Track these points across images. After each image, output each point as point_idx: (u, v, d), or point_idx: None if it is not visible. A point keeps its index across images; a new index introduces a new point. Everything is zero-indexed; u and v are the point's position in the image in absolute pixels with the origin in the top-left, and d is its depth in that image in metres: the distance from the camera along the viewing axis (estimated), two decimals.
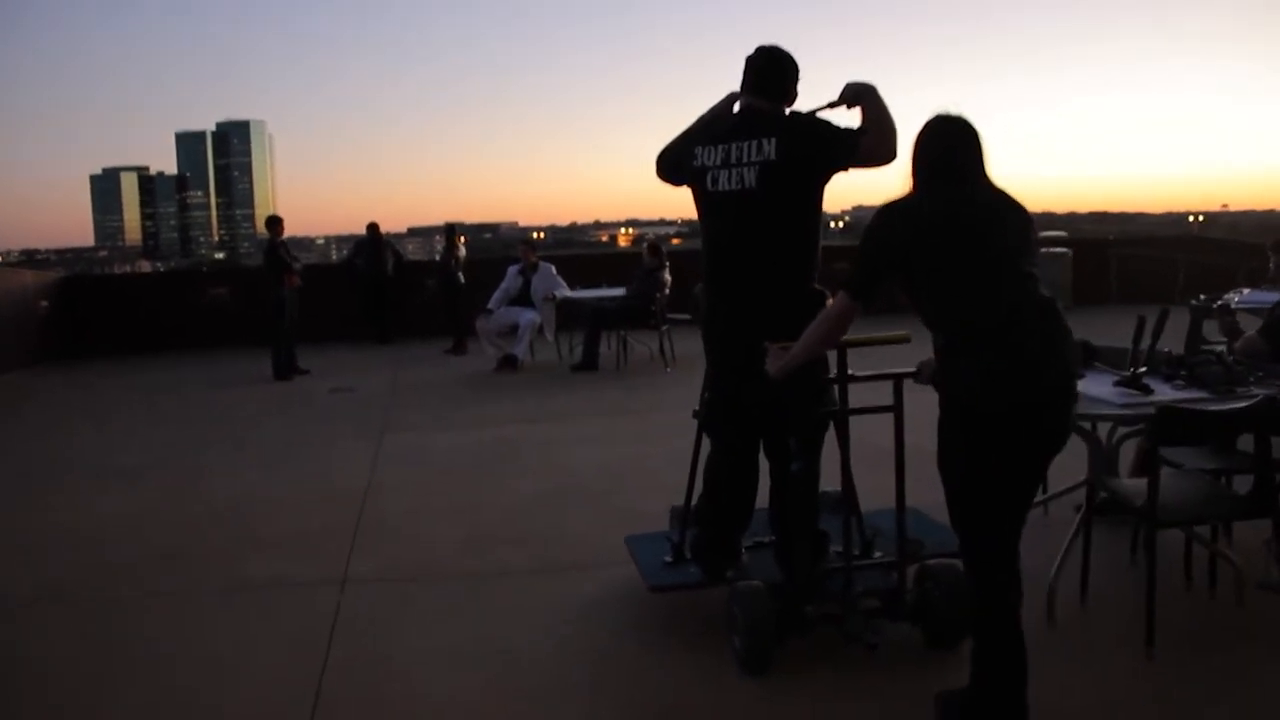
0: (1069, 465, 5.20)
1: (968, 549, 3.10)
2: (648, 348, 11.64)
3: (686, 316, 11.51)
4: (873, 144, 3.59)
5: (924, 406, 3.37)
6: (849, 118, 3.69)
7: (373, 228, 14.92)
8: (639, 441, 7.44)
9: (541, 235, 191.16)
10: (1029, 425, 2.94)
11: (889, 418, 3.66)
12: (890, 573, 3.77)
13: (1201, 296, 8.64)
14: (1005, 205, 3.10)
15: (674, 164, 4.02)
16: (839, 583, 3.71)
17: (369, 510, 5.84)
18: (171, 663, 3.94)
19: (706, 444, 4.16)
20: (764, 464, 4.06)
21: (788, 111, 3.81)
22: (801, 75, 3.85)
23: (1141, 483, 4.10)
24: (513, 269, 11.84)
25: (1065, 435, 3.03)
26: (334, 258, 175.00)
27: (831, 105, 3.71)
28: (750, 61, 3.82)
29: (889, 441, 3.67)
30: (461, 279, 13.22)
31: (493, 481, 6.41)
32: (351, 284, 14.62)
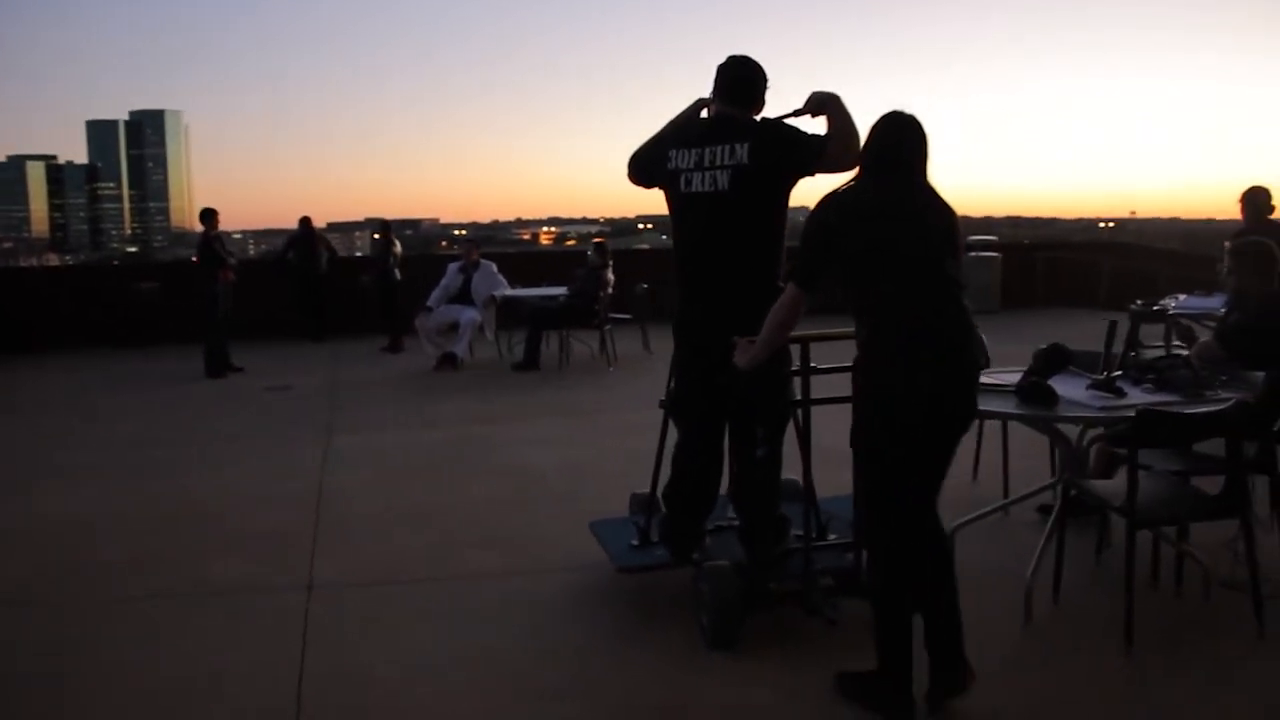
0: (1034, 468, 5.36)
1: (869, 508, 3.36)
2: (588, 347, 11.61)
3: (628, 316, 11.53)
4: (837, 150, 3.71)
5: None
6: (813, 125, 3.85)
7: (305, 222, 14.62)
8: (593, 441, 7.41)
9: (463, 232, 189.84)
10: (940, 409, 3.21)
11: (841, 413, 3.71)
12: (845, 553, 4.02)
13: (1139, 302, 8.84)
14: (938, 205, 3.33)
15: (647, 166, 4.14)
16: (799, 563, 3.93)
17: (327, 512, 5.72)
18: (143, 671, 3.81)
19: (673, 432, 4.29)
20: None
21: (758, 118, 3.96)
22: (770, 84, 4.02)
23: (1115, 484, 4.19)
24: (453, 266, 11.71)
25: (972, 418, 3.33)
26: (251, 253, 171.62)
27: (797, 113, 3.85)
28: (723, 70, 3.97)
29: (838, 439, 3.62)
30: (398, 275, 13.04)
31: (451, 483, 6.32)
32: (283, 279, 14.27)
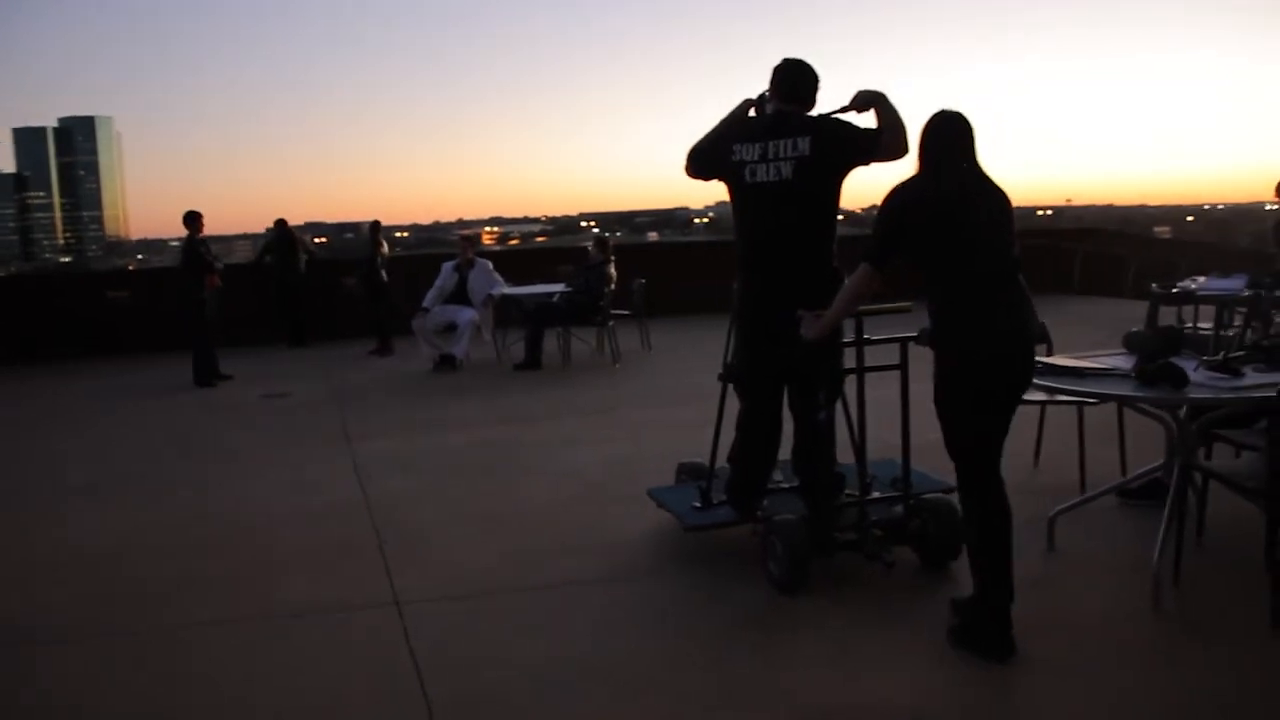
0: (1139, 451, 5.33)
1: (959, 465, 3.68)
2: (587, 344, 11.41)
3: (626, 312, 11.33)
4: (889, 142, 4.16)
5: (922, 364, 3.91)
6: (861, 120, 4.30)
7: (281, 224, 14.21)
8: (626, 440, 7.23)
9: (405, 234, 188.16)
10: (1004, 371, 3.60)
11: (881, 381, 4.34)
12: (893, 506, 4.48)
13: (1156, 285, 8.84)
14: (993, 190, 3.70)
15: (709, 160, 4.55)
16: (853, 515, 4.38)
17: (384, 524, 5.45)
18: (251, 702, 3.55)
19: (730, 401, 4.73)
20: None
21: (814, 114, 4.37)
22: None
23: (1244, 465, 4.10)
24: (447, 266, 11.42)
25: (1029, 381, 3.72)
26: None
27: (845, 109, 4.29)
28: (781, 72, 4.39)
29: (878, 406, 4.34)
30: (385, 277, 12.73)
31: (500, 488, 6.09)
32: (261, 283, 13.89)
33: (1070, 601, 4.10)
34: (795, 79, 4.38)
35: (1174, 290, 8.45)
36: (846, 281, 3.94)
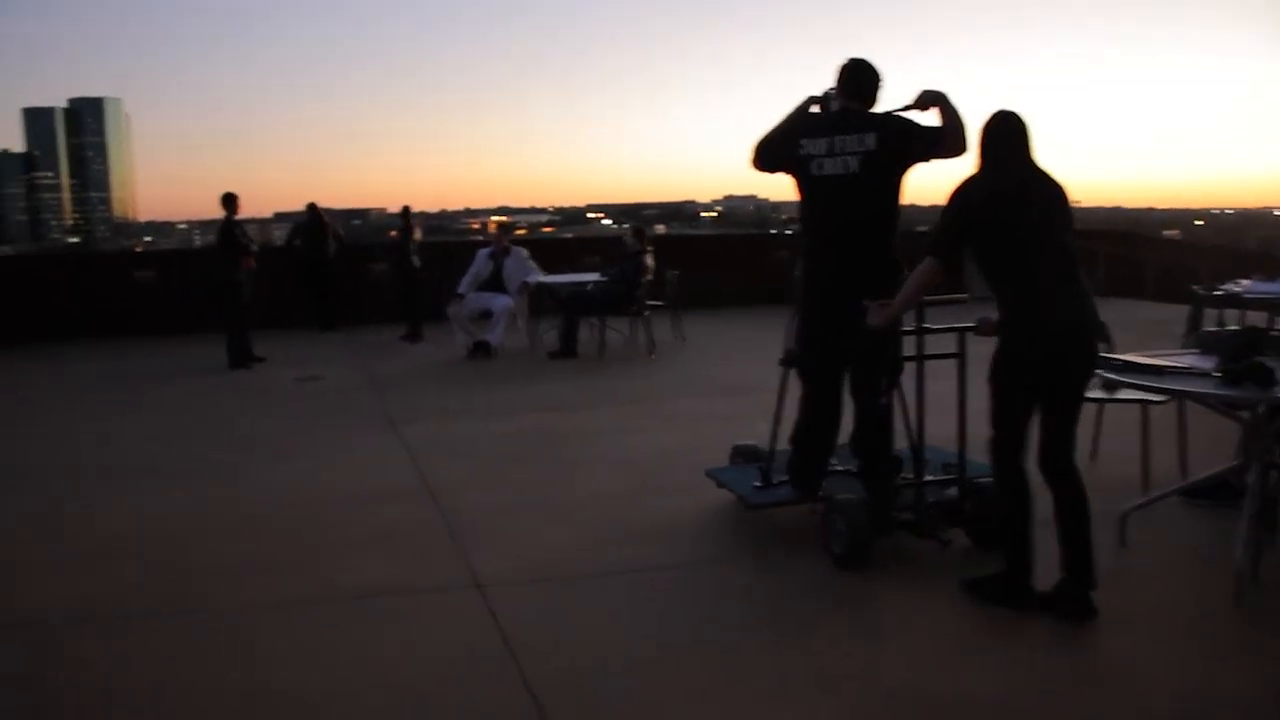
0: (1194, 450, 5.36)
1: (1001, 435, 3.89)
2: (621, 334, 11.41)
3: (659, 303, 11.32)
4: (950, 140, 4.36)
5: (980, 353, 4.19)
6: (923, 118, 4.49)
7: (312, 208, 14.20)
8: (671, 430, 7.22)
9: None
10: (1062, 363, 3.80)
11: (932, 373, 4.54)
12: (946, 489, 4.65)
13: (1194, 287, 8.82)
14: (1052, 186, 3.88)
15: (777, 153, 4.75)
16: (909, 497, 4.58)
17: (448, 507, 5.45)
18: (347, 673, 3.54)
19: (791, 387, 4.93)
20: None
21: (878, 111, 4.57)
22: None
23: None
24: (483, 253, 11.43)
25: (1090, 373, 3.91)
26: (197, 243, 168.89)
27: (908, 108, 4.48)
28: (848, 71, 4.60)
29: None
30: (417, 263, 12.73)
31: (555, 476, 6.08)
32: (290, 267, 13.88)
33: (1149, 596, 4.10)
34: (861, 77, 4.60)
35: (1217, 293, 8.43)
36: (911, 273, 4.13)
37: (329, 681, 3.53)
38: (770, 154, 4.79)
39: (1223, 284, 8.61)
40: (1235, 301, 8.38)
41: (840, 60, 4.64)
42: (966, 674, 3.47)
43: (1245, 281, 8.50)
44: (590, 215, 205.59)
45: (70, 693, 3.50)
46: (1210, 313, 9.05)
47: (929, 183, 4.93)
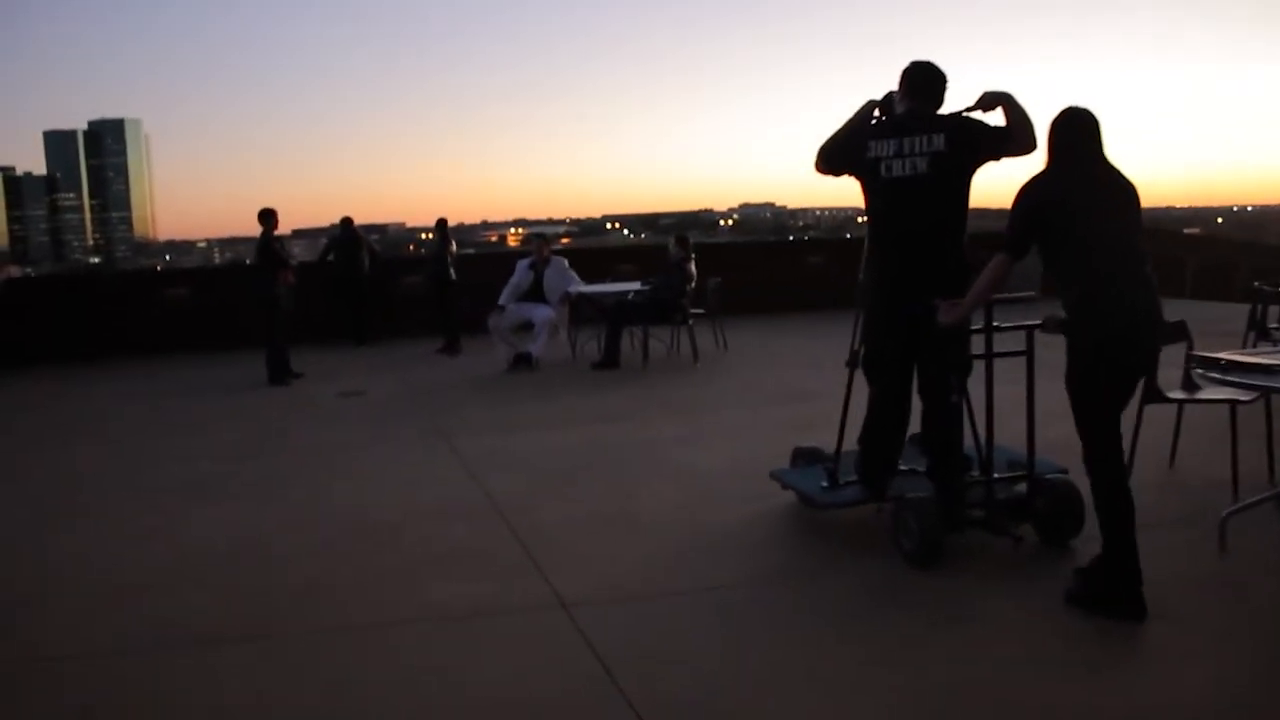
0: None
1: (1089, 440, 3.84)
2: (662, 343, 11.25)
3: (700, 311, 11.17)
4: (1018, 138, 4.37)
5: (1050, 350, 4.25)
6: (988, 118, 4.50)
7: (347, 222, 14.16)
8: (733, 439, 7.08)
9: (430, 235, 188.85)
10: (1134, 357, 3.86)
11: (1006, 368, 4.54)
12: (1015, 486, 4.67)
13: (1256, 284, 8.62)
14: (1123, 183, 3.88)
15: (843, 156, 4.76)
16: (980, 494, 4.59)
17: (518, 523, 5.31)
18: (446, 702, 3.41)
19: (857, 387, 4.91)
20: None
21: (944, 113, 4.57)
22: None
23: None
24: (522, 264, 11.30)
25: (1155, 365, 4.15)
26: (217, 261, 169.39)
27: (973, 108, 4.50)
28: (913, 74, 4.61)
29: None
30: (454, 275, 12.62)
31: (618, 489, 5.94)
32: (325, 282, 13.78)
33: (1262, 604, 3.94)
34: (928, 79, 4.62)
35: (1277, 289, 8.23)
36: (984, 271, 4.13)
37: (427, 708, 3.40)
38: (837, 156, 4.80)
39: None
40: None
41: (903, 64, 4.65)
42: (1086, 687, 3.30)
43: None
44: (609, 226, 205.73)
45: None
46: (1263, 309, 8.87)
47: (991, 187, 4.85)
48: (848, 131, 4.78)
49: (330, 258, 14.13)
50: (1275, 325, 8.15)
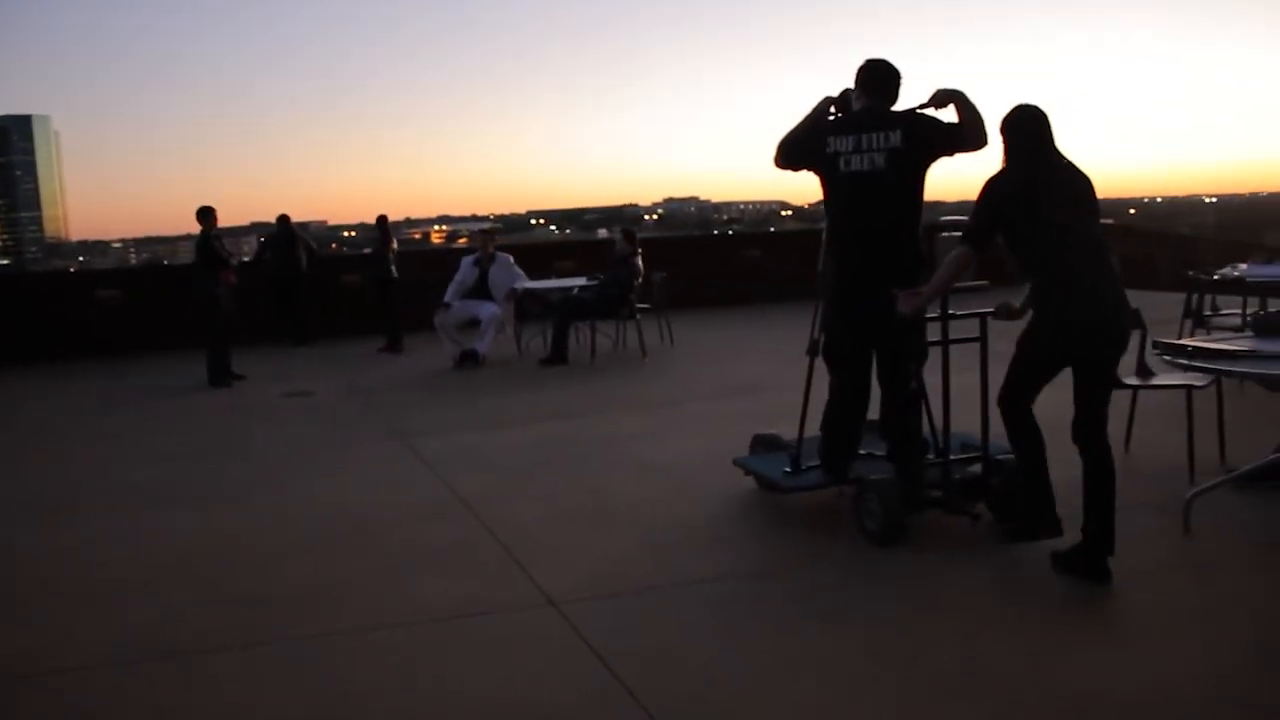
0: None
1: (1012, 395, 4.16)
2: (608, 338, 11.27)
3: (646, 306, 11.19)
4: (970, 135, 4.55)
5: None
6: (940, 115, 4.66)
7: (283, 220, 13.92)
8: (690, 431, 7.13)
9: (353, 233, 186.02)
10: (1093, 341, 4.01)
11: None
12: (969, 466, 4.91)
13: (1190, 272, 8.86)
14: (1077, 176, 4.10)
15: (802, 151, 4.88)
16: (938, 475, 4.81)
17: (491, 520, 5.29)
18: (441, 710, 3.39)
19: (818, 375, 5.07)
20: None
21: (899, 109, 4.73)
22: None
23: None
24: (467, 260, 11.23)
25: (1118, 352, 4.13)
26: (133, 262, 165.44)
27: (925, 105, 4.65)
28: (869, 71, 4.77)
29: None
30: (395, 273, 12.50)
31: (585, 484, 5.96)
32: (261, 282, 13.52)
33: (1232, 585, 4.09)
34: (884, 76, 4.77)
35: (1216, 278, 8.46)
36: (945, 261, 4.35)
37: (432, 711, 3.38)
38: (796, 151, 4.91)
39: (1220, 269, 8.66)
40: (1236, 286, 8.42)
41: (858, 61, 4.81)
42: (1113, 670, 3.40)
43: (1243, 266, 8.56)
44: (534, 222, 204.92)
45: None
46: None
47: (949, 181, 4.81)
48: (806, 127, 4.89)
49: (266, 256, 13.90)
50: (1209, 313, 8.41)
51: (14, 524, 5.77)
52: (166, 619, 4.22)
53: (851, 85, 4.82)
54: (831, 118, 4.86)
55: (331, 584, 4.55)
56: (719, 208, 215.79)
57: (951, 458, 4.85)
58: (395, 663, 3.74)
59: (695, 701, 3.33)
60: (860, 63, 4.81)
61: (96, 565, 4.97)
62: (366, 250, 14.17)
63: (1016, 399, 4.15)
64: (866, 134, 4.64)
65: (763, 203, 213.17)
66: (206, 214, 10.55)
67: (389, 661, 3.75)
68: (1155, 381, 5.78)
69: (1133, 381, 5.75)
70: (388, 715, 3.37)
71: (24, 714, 3.51)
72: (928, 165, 4.70)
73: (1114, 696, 3.22)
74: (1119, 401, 5.79)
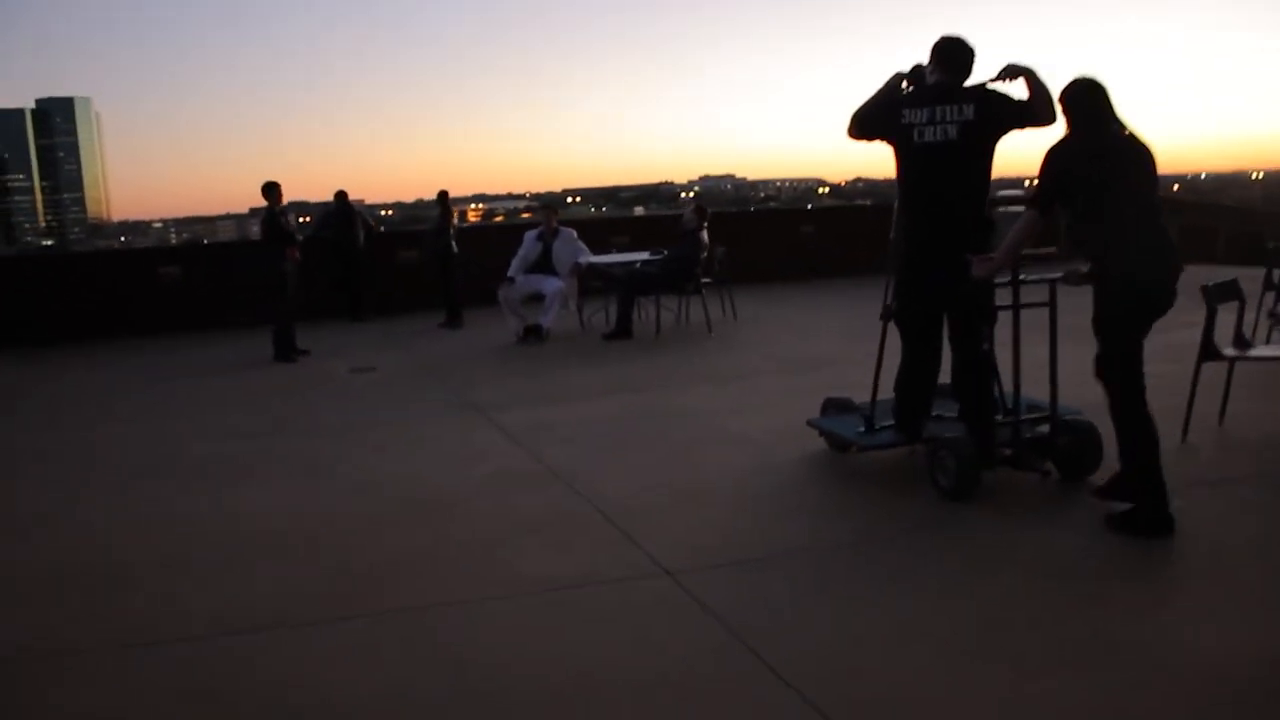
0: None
1: (1119, 376, 4.22)
2: (671, 312, 11.20)
3: (709, 280, 11.13)
4: (1039, 109, 4.72)
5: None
6: (1009, 88, 4.85)
7: (341, 196, 13.95)
8: (770, 405, 7.05)
9: (389, 212, 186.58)
10: (1158, 295, 4.19)
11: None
12: (1039, 426, 5.03)
13: (1271, 244, 8.70)
14: (1138, 144, 4.24)
15: (876, 122, 5.10)
16: (1008, 433, 4.97)
17: (589, 493, 5.24)
18: (583, 678, 3.34)
19: (890, 339, 5.29)
20: None
21: (971, 84, 4.90)
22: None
23: None
24: (530, 235, 11.21)
25: (1172, 303, 4.22)
26: (174, 241, 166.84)
27: (995, 79, 4.83)
28: (944, 48, 4.95)
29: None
30: (456, 248, 12.49)
31: (679, 455, 5.91)
32: (320, 258, 13.55)
33: None
34: (959, 53, 4.95)
35: None
36: (1014, 227, 4.51)
37: (561, 679, 3.33)
38: (871, 122, 5.13)
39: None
40: None
41: (932, 38, 4.98)
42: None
43: None
44: (570, 200, 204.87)
45: (248, 705, 3.30)
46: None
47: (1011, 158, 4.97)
48: (879, 100, 5.11)
49: (324, 233, 13.93)
50: None
51: (94, 501, 5.73)
52: (269, 592, 4.20)
53: (924, 61, 5.00)
54: (907, 92, 5.05)
55: (437, 556, 4.51)
56: (755, 185, 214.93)
57: (1021, 418, 5.00)
58: (514, 634, 3.70)
59: (820, 665, 3.30)
60: (934, 39, 4.99)
61: (190, 540, 4.94)
62: (423, 226, 14.16)
63: (1124, 390, 4.21)
64: (941, 106, 4.85)
65: (800, 180, 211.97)
66: (272, 189, 10.55)
67: (507, 633, 3.71)
68: (1254, 354, 5.67)
69: (1230, 353, 5.65)
70: (524, 682, 3.32)
71: (147, 687, 3.49)
72: (998, 139, 4.88)
73: (1244, 666, 3.16)
74: (1213, 374, 5.70)
